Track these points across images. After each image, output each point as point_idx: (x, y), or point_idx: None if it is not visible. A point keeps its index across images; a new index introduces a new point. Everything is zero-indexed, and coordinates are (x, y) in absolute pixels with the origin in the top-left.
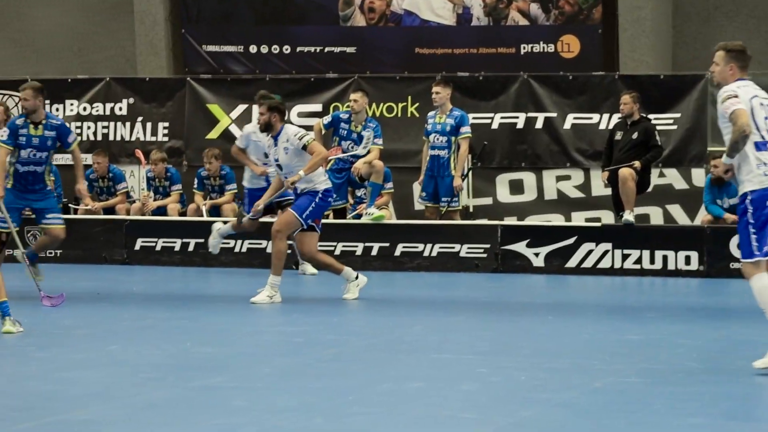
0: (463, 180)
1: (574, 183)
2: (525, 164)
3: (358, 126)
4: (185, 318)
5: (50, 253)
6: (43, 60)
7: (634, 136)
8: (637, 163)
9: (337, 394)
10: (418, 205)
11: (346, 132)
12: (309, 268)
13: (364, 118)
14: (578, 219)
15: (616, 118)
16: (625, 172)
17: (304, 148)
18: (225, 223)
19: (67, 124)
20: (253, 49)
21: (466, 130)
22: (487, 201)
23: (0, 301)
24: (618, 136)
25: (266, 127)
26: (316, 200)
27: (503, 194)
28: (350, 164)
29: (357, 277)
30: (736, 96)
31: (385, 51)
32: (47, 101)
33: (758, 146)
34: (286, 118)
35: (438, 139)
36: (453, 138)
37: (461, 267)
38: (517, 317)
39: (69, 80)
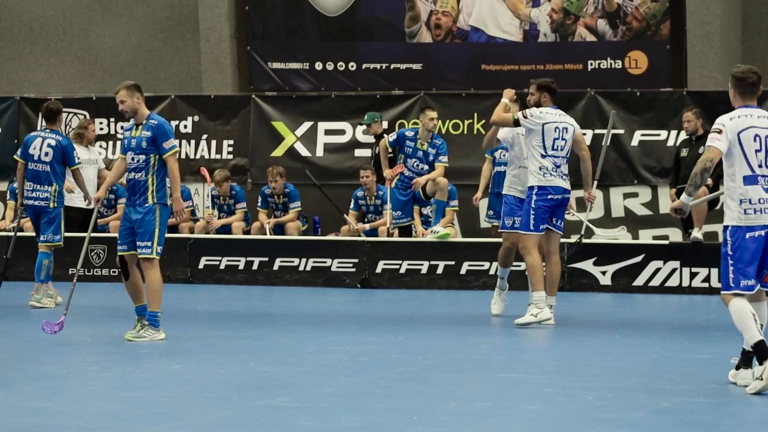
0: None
1: (641, 200)
2: None
3: (424, 144)
4: (249, 337)
5: (113, 271)
6: (108, 77)
7: (700, 150)
8: (709, 181)
9: (402, 413)
10: (484, 223)
11: (411, 150)
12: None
13: (430, 136)
14: (646, 237)
15: (683, 135)
16: (698, 190)
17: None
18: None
19: (171, 127)
20: (318, 66)
21: None
22: None
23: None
24: (684, 153)
25: (537, 107)
26: (532, 205)
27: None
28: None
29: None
30: (720, 132)
31: (452, 68)
32: (112, 119)
33: (746, 180)
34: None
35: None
36: None
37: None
38: (584, 336)
39: None
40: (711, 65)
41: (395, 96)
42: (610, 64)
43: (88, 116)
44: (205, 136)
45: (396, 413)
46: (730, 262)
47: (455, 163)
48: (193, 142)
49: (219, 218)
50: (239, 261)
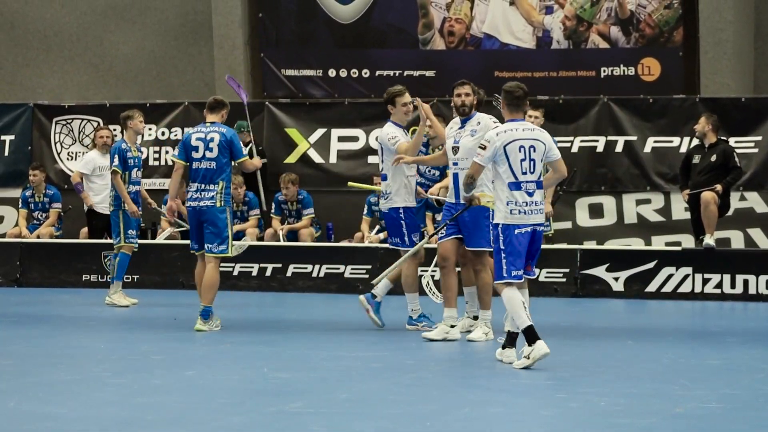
0: (553, 205)
1: (654, 207)
2: (605, 188)
3: (435, 150)
4: (262, 343)
5: (128, 278)
6: (122, 84)
7: (713, 158)
8: (719, 187)
9: (415, 419)
10: None
11: (423, 155)
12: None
13: (442, 142)
14: (658, 243)
15: (696, 141)
16: (708, 196)
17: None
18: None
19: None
20: (332, 72)
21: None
22: (567, 225)
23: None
24: (696, 159)
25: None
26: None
27: (583, 218)
28: (428, 187)
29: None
30: (484, 148)
31: (465, 74)
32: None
33: (511, 186)
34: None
35: None
36: None
37: (540, 291)
38: (597, 342)
39: (148, 105)
40: (724, 72)
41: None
42: (623, 70)
43: (101, 123)
44: None
45: (409, 419)
46: (503, 255)
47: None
48: None
49: (233, 225)
50: (252, 267)
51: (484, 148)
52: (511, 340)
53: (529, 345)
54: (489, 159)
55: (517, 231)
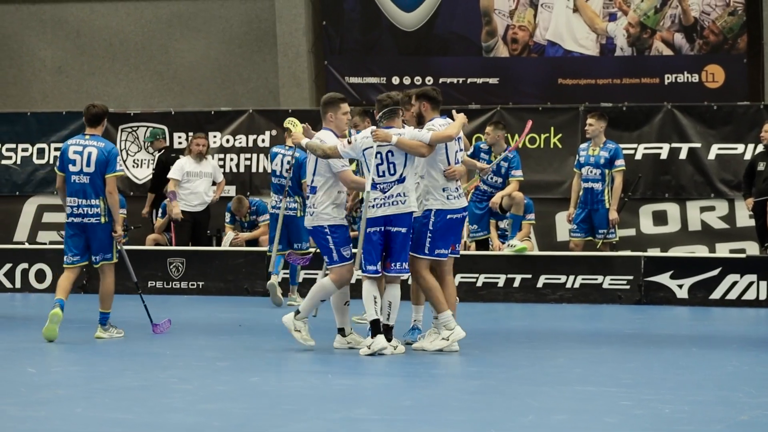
0: (618, 213)
1: (718, 214)
2: (669, 195)
3: (497, 157)
4: (326, 349)
5: (192, 284)
6: (187, 92)
7: None
8: None
9: (478, 426)
10: (561, 236)
11: (486, 162)
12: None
13: (503, 149)
14: (722, 250)
15: (761, 148)
16: None
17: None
18: None
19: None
20: (395, 80)
21: (620, 163)
22: (631, 232)
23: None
24: (761, 166)
25: (419, 119)
26: (430, 227)
27: (647, 225)
28: (489, 195)
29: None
30: (350, 142)
31: (528, 82)
32: (190, 133)
33: (372, 186)
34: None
35: (591, 171)
36: (607, 171)
37: (604, 299)
38: (661, 349)
39: (212, 112)
40: None
41: (472, 110)
42: (687, 78)
43: (166, 130)
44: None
45: (473, 426)
46: (362, 251)
47: (531, 177)
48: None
49: None
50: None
51: (350, 143)
52: (386, 330)
53: (372, 336)
54: (346, 154)
55: (369, 229)
